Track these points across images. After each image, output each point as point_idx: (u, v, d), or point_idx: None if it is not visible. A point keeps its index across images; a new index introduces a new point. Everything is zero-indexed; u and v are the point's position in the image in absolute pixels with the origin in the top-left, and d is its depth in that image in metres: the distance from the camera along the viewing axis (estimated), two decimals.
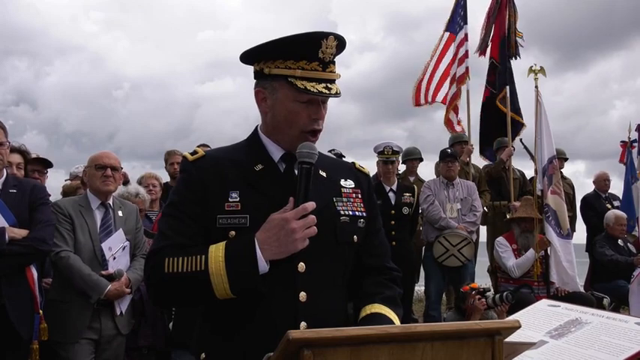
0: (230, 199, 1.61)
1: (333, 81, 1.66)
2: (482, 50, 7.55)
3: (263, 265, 1.52)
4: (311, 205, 1.54)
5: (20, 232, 3.15)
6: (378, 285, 1.76)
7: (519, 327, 1.26)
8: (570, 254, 5.62)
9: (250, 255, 1.51)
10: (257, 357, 1.20)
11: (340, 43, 1.66)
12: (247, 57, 1.72)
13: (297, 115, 1.64)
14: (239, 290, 1.53)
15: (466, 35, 7.43)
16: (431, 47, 7.81)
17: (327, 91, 1.62)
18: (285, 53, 1.62)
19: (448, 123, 7.62)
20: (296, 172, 1.66)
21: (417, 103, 7.84)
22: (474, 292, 4.47)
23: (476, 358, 1.22)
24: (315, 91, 1.60)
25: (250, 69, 1.75)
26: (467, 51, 7.38)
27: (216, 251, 1.53)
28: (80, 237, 3.48)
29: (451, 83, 7.55)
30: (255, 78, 1.74)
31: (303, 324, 1.57)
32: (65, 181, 5.72)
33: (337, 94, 1.64)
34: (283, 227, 1.51)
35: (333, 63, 1.67)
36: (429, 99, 7.75)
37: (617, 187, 8.37)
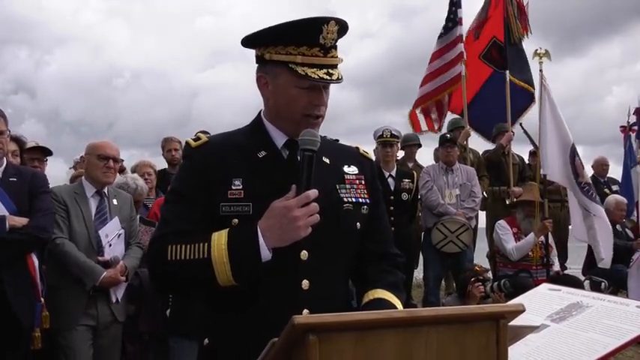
0: (233, 187, 1.60)
1: (334, 66, 1.64)
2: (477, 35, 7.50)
3: (266, 254, 1.52)
4: (313, 192, 1.53)
5: (20, 220, 3.15)
6: (381, 271, 1.76)
7: (524, 311, 1.27)
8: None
9: (253, 243, 1.51)
10: (260, 344, 1.20)
11: (342, 28, 1.64)
12: (248, 42, 1.70)
13: (298, 101, 1.63)
14: (242, 279, 1.53)
15: (460, 36, 7.40)
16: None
17: (328, 77, 1.60)
18: (286, 39, 1.60)
19: (414, 121, 7.63)
20: (299, 159, 1.65)
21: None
22: (473, 279, 4.50)
23: (480, 342, 1.22)
24: (317, 77, 1.59)
25: (251, 54, 1.73)
26: (461, 52, 7.34)
27: (219, 239, 1.53)
28: (75, 224, 3.49)
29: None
30: (257, 62, 1.72)
31: (305, 312, 1.57)
32: (70, 169, 5.75)
33: (339, 80, 1.63)
34: (285, 215, 1.51)
35: (335, 48, 1.65)
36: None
37: (615, 172, 8.41)
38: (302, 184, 1.54)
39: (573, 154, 5.66)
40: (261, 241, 1.51)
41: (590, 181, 5.70)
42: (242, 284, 1.54)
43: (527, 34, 7.29)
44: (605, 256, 5.62)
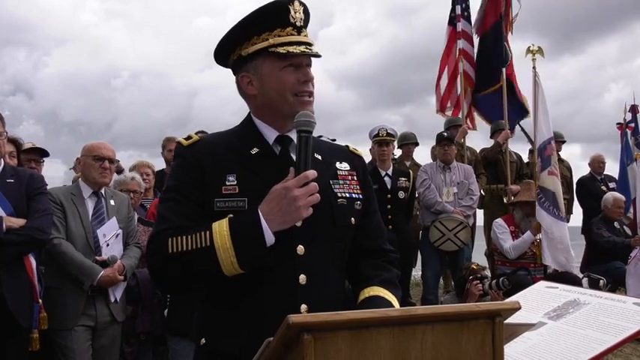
0: (227, 183, 1.60)
1: (310, 44, 1.67)
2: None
3: (270, 237, 1.51)
4: (312, 173, 1.53)
5: (18, 222, 3.15)
6: (375, 267, 1.76)
7: (519, 308, 1.26)
8: (566, 237, 5.63)
9: (256, 227, 1.50)
10: (257, 341, 1.20)
11: (305, 8, 1.69)
12: (222, 50, 1.73)
13: (286, 82, 1.64)
14: (247, 264, 1.51)
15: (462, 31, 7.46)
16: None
17: (309, 50, 1.64)
18: (258, 27, 1.64)
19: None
20: (293, 155, 1.66)
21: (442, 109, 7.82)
22: (472, 277, 4.50)
23: (476, 340, 1.22)
24: (298, 52, 1.62)
25: None
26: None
27: (220, 226, 1.52)
28: (72, 225, 3.49)
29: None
30: (234, 71, 1.74)
31: (303, 307, 1.57)
32: (70, 169, 5.77)
33: (318, 55, 1.67)
34: (286, 196, 1.51)
35: (305, 28, 1.70)
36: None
37: (612, 169, 8.43)
38: (300, 165, 1.54)
39: (540, 153, 5.73)
40: (264, 225, 1.50)
41: (548, 187, 5.66)
42: (247, 271, 1.52)
43: (510, 32, 7.37)
44: (553, 265, 5.62)
